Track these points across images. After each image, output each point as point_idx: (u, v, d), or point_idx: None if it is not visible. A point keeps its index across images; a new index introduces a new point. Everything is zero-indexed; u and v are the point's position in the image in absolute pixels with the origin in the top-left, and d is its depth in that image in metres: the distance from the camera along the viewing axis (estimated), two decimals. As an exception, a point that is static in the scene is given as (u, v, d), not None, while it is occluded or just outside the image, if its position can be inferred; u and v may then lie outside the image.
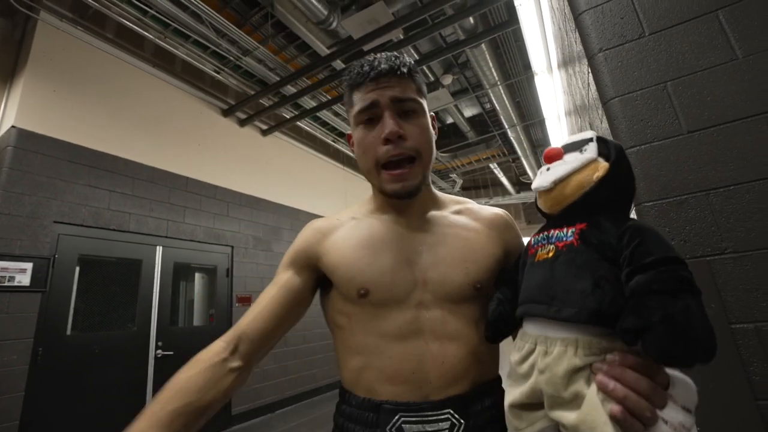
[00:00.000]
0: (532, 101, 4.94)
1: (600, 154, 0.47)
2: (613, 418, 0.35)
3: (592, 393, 0.38)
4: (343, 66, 4.18)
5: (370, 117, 0.63)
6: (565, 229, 0.47)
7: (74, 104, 3.14)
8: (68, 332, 2.86)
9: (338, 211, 0.77)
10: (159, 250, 3.50)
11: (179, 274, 3.73)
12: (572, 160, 0.47)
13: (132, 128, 3.51)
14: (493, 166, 8.30)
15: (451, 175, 8.60)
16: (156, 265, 3.45)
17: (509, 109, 5.24)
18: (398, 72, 0.62)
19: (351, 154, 6.40)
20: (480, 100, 6.10)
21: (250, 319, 0.63)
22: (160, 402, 0.54)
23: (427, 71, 5.18)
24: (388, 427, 0.55)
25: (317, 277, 0.69)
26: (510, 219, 0.74)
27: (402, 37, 3.89)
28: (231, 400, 3.78)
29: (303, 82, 4.25)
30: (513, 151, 7.31)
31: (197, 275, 4.03)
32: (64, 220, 2.90)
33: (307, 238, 0.70)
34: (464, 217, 0.71)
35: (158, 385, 3.25)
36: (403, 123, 0.62)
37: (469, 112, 6.76)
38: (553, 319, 0.43)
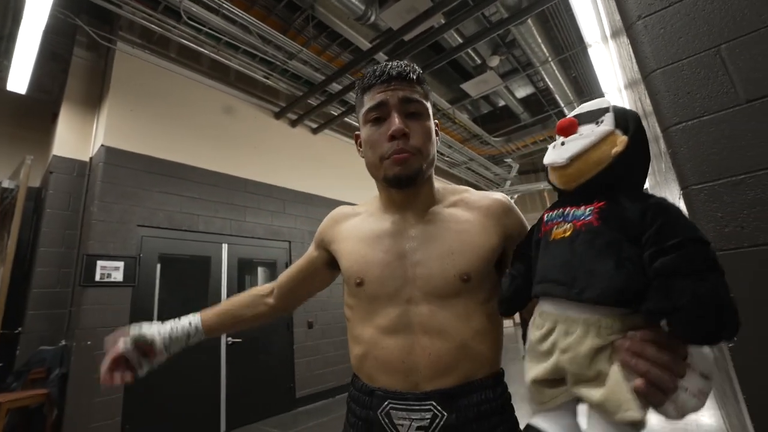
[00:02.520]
0: (590, 75, 4.52)
1: (617, 125, 0.45)
2: (638, 391, 0.37)
3: (615, 371, 0.39)
4: (386, 58, 4.18)
5: (378, 116, 0.67)
6: (582, 208, 0.46)
7: (147, 120, 3.54)
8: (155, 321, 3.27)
9: None
10: (225, 247, 3.84)
11: (243, 268, 4.06)
12: (588, 134, 0.45)
13: (195, 137, 3.86)
14: (552, 147, 7.77)
15: (506, 160, 8.22)
16: (223, 261, 3.80)
17: (564, 85, 4.86)
18: (407, 77, 0.67)
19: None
20: (532, 79, 5.73)
21: (284, 275, 0.90)
22: (218, 306, 0.88)
23: (473, 54, 4.98)
24: (379, 411, 0.62)
25: (331, 258, 0.82)
26: (509, 203, 0.74)
27: (443, 21, 3.79)
28: (295, 385, 4.07)
29: (348, 78, 4.33)
30: (573, 130, 6.77)
31: (259, 269, 4.35)
32: (146, 223, 3.31)
33: (326, 224, 0.85)
34: (459, 209, 0.72)
35: (230, 368, 3.61)
36: (408, 123, 0.66)
37: (521, 93, 6.39)
38: (574, 300, 0.43)
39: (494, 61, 4.95)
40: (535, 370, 0.48)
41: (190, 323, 0.83)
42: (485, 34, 3.89)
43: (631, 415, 0.37)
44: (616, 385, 0.38)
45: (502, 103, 6.62)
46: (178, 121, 3.77)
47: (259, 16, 3.72)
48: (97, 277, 2.94)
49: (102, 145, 3.20)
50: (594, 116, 0.46)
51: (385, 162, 0.66)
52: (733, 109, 0.79)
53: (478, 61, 5.12)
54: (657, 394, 0.36)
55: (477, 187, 9.30)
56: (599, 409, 0.40)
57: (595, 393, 0.40)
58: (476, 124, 6.76)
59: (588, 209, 0.45)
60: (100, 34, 3.34)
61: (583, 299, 0.42)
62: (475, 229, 0.67)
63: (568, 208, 0.48)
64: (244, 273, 4.08)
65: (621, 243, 0.41)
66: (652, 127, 1.18)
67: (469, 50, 4.75)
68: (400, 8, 3.59)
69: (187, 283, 3.63)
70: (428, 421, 0.58)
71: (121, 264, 3.09)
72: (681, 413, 0.36)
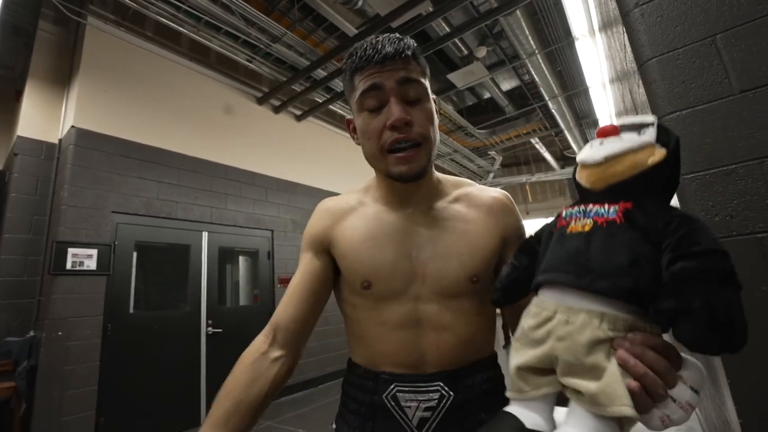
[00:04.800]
0: (575, 69, 4.56)
1: (658, 140, 0.45)
2: (630, 393, 0.37)
3: (613, 366, 0.39)
4: (372, 45, 4.10)
5: (373, 102, 0.61)
6: (606, 206, 0.45)
7: (122, 102, 3.37)
8: (131, 311, 3.16)
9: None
10: (205, 235, 3.74)
11: (224, 257, 3.96)
12: (629, 139, 0.45)
13: (174, 121, 3.71)
14: (535, 141, 7.87)
15: (489, 153, 8.29)
16: (203, 250, 3.69)
17: (549, 79, 4.89)
18: (403, 55, 0.60)
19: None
20: (518, 72, 5.76)
21: (282, 309, 0.69)
22: (215, 407, 0.60)
23: (459, 44, 4.95)
24: (384, 395, 0.62)
25: (334, 261, 0.71)
26: (510, 202, 0.72)
27: (431, 9, 3.73)
28: (277, 375, 4.03)
29: (333, 65, 4.23)
30: (555, 124, 6.88)
31: (241, 258, 4.26)
32: (121, 210, 3.17)
33: (320, 222, 0.73)
34: (462, 205, 0.69)
35: (210, 360, 3.53)
36: (409, 108, 0.60)
37: (506, 85, 6.41)
38: (582, 290, 0.43)
39: (481, 52, 4.94)
40: (522, 356, 0.47)
41: None
42: (473, 24, 3.86)
43: (625, 410, 0.36)
44: (614, 379, 0.38)
45: (487, 95, 6.64)
46: (156, 104, 3.60)
47: (242, -4, 3.57)
48: (69, 265, 2.81)
49: (72, 127, 3.03)
50: (637, 127, 0.46)
51: (389, 157, 0.61)
52: (726, 99, 0.80)
53: (465, 52, 5.09)
54: (646, 400, 0.36)
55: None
56: (590, 401, 0.39)
57: (588, 384, 0.40)
58: (461, 116, 6.76)
59: (613, 208, 0.45)
60: (69, 7, 3.13)
61: (593, 289, 0.41)
62: (480, 230, 0.66)
63: (591, 206, 0.47)
64: (225, 262, 3.99)
65: (641, 243, 0.41)
66: (642, 118, 1.18)
67: (456, 40, 4.72)
68: (388, -7, 3.52)
69: (165, 272, 3.51)
70: (436, 401, 0.60)
71: (94, 252, 2.95)
72: (666, 423, 0.37)
